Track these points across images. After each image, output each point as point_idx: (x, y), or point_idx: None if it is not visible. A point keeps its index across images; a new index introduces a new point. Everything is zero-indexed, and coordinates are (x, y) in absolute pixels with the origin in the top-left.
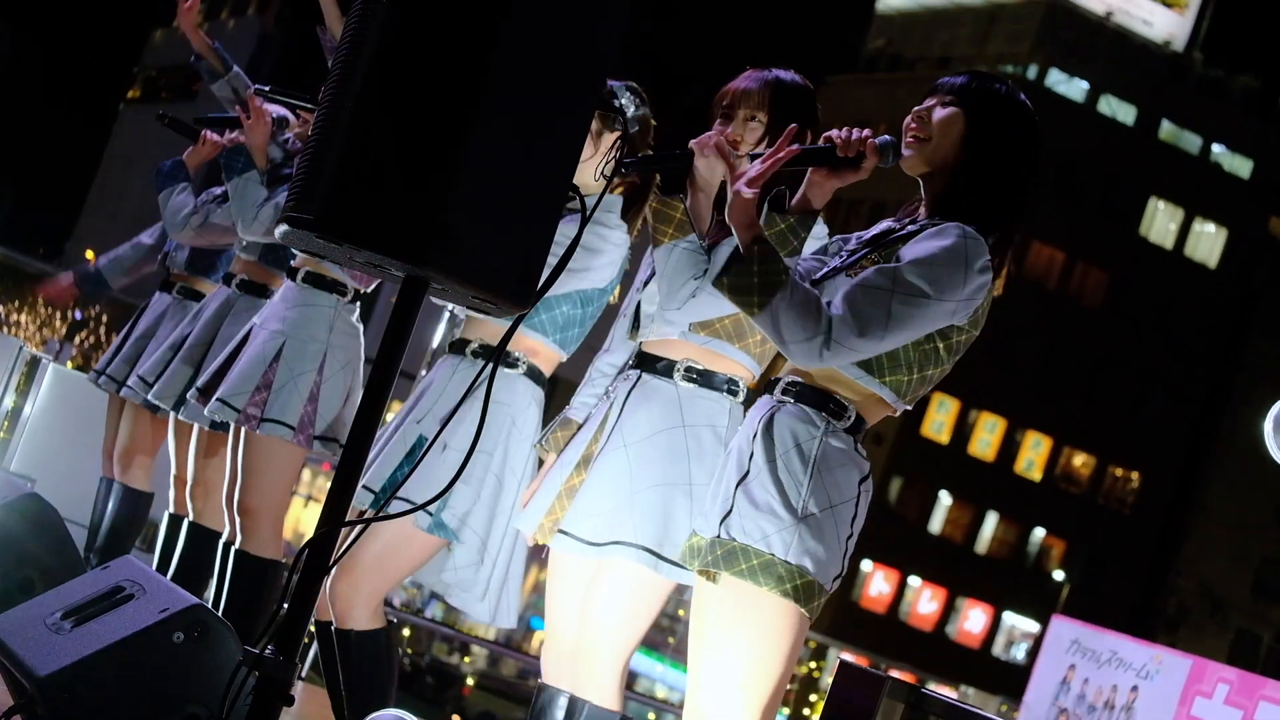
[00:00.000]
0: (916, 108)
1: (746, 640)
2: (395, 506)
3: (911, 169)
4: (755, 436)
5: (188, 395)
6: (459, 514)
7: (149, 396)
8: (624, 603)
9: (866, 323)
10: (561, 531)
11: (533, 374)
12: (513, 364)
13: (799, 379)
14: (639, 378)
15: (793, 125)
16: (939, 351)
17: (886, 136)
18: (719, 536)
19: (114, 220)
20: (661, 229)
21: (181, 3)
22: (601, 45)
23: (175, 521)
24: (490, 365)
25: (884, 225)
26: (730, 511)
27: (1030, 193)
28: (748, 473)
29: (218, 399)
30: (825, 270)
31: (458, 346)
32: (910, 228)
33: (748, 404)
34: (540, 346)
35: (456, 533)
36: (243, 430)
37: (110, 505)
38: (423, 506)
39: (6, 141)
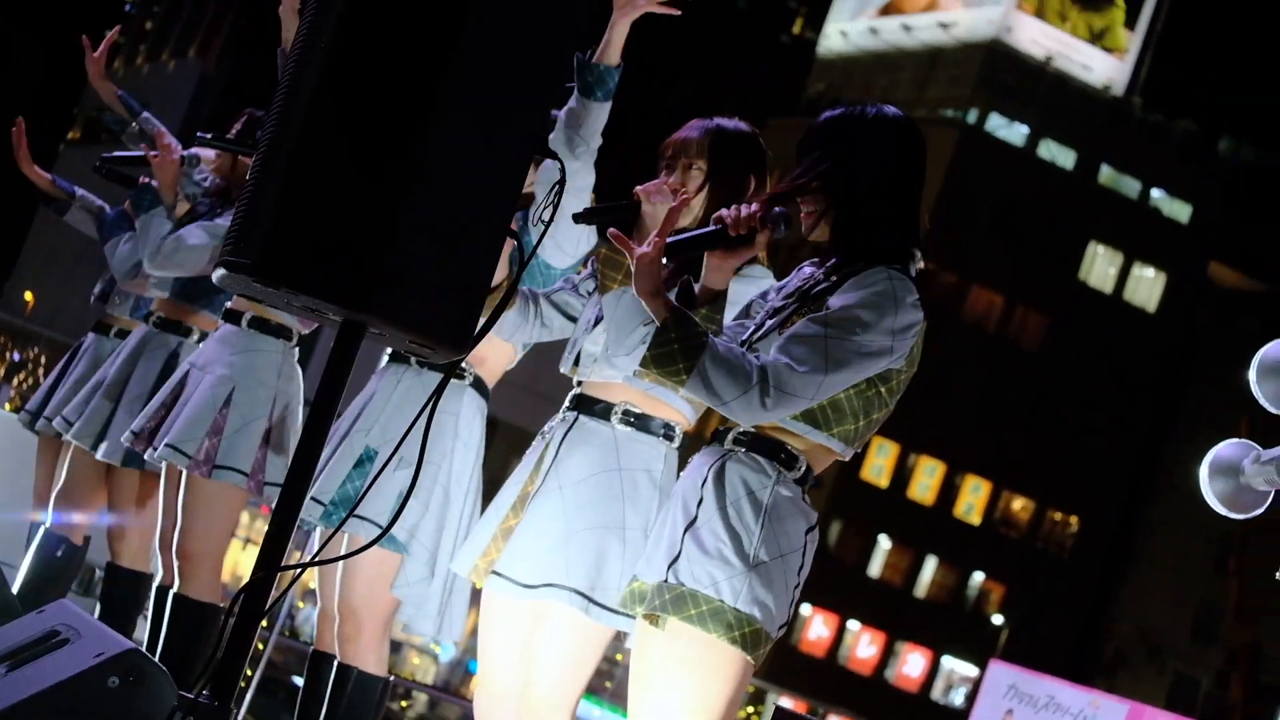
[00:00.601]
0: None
1: (691, 685)
2: (352, 526)
3: (822, 239)
4: (705, 483)
5: (121, 439)
6: (407, 526)
7: (67, 436)
8: (568, 650)
9: (804, 368)
10: (495, 573)
11: (478, 385)
12: (459, 374)
13: (750, 429)
14: (575, 419)
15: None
16: (881, 395)
17: (778, 209)
18: (666, 581)
19: (53, 262)
20: (610, 275)
21: (89, 53)
22: (542, 96)
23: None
24: (441, 378)
25: (806, 272)
26: (678, 556)
27: (919, 202)
28: (695, 519)
29: (167, 445)
30: (753, 331)
31: (401, 356)
32: (834, 278)
33: (691, 450)
34: (487, 354)
35: (406, 545)
36: (183, 474)
37: (41, 551)
38: (384, 534)
39: None
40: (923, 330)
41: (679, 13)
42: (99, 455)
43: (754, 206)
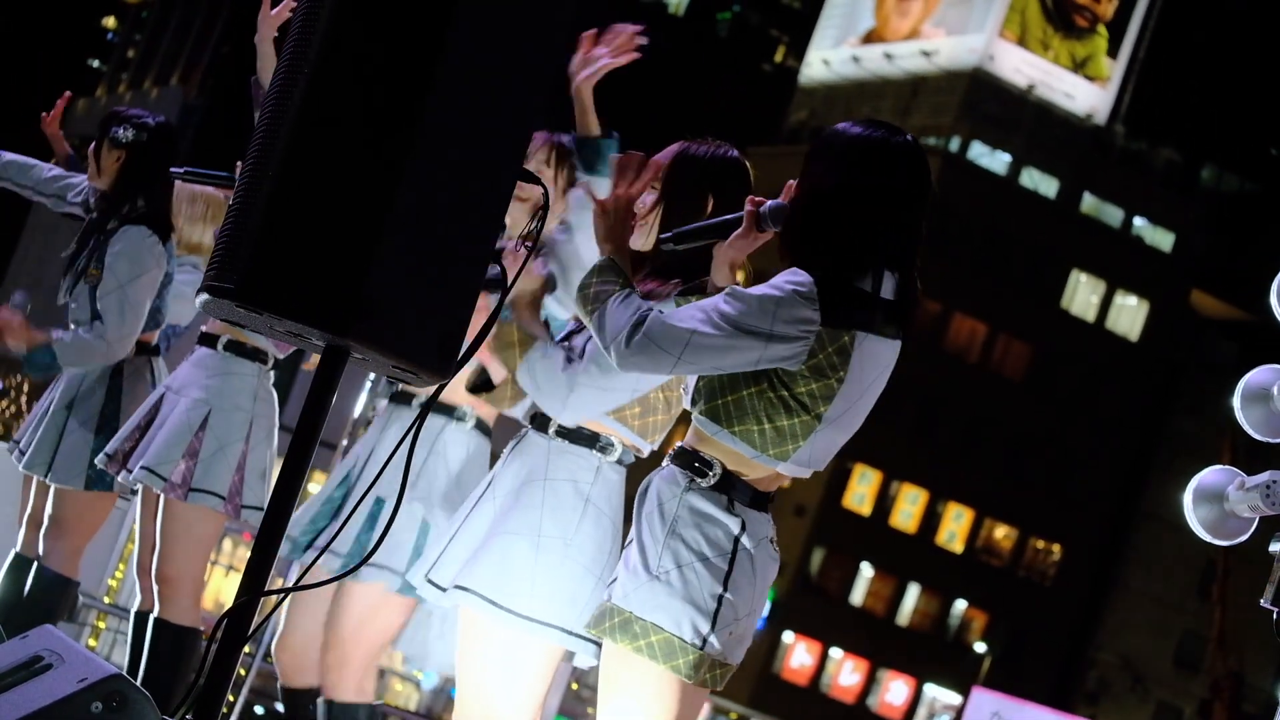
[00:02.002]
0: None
1: (617, 701)
2: (366, 574)
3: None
4: (636, 502)
5: (95, 461)
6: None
7: (20, 467)
8: (479, 652)
9: (677, 322)
10: (426, 578)
11: (480, 426)
12: (460, 418)
13: (681, 444)
14: (524, 434)
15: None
16: (787, 403)
17: (774, 202)
18: (614, 603)
19: (36, 288)
20: (507, 354)
21: (44, 115)
22: (524, 121)
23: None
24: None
25: None
26: (615, 579)
27: (884, 218)
28: (628, 537)
29: (143, 467)
30: None
31: (402, 398)
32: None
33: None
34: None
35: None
36: (161, 498)
37: (27, 582)
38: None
39: None
40: (841, 347)
41: (638, 56)
42: (48, 480)
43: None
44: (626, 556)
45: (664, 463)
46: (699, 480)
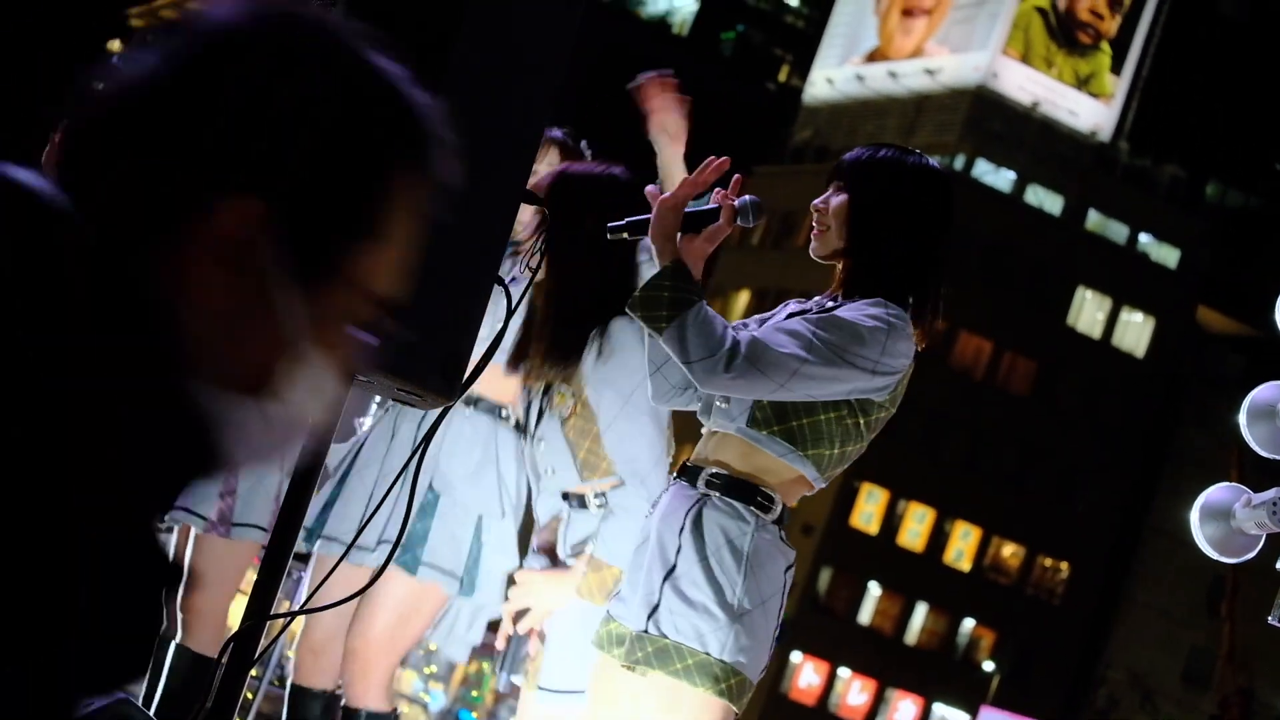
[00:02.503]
0: (816, 200)
1: None
2: (424, 574)
3: (820, 256)
4: (683, 531)
5: None
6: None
7: None
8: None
9: (784, 349)
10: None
11: (519, 427)
12: (503, 417)
13: (723, 471)
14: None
15: (725, 159)
16: (859, 428)
17: (749, 198)
18: (646, 632)
19: None
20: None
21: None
22: (528, 140)
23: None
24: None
25: (793, 306)
26: (657, 607)
27: (943, 249)
28: (675, 567)
29: (179, 508)
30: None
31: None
32: (829, 304)
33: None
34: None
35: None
36: (192, 531)
37: None
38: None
39: None
40: (909, 374)
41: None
42: None
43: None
44: (680, 590)
45: (701, 485)
46: (764, 516)
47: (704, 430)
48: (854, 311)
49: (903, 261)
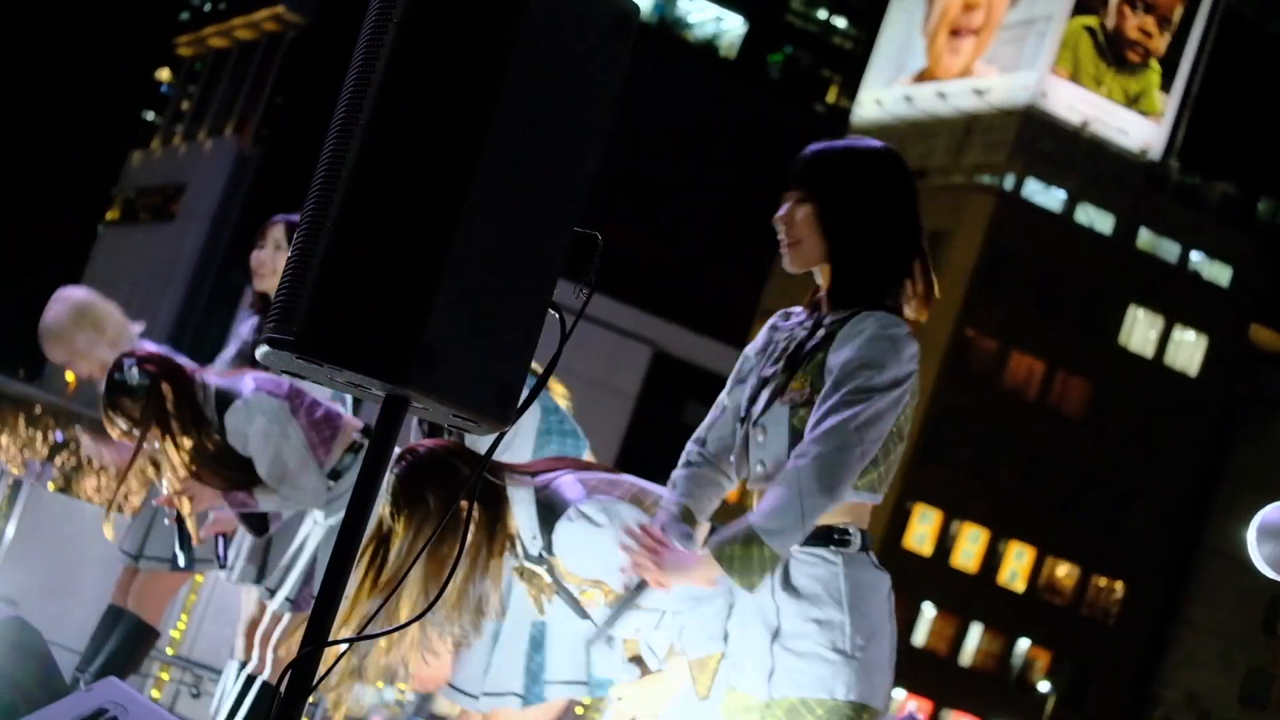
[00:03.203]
0: (779, 213)
1: None
2: (553, 692)
3: (799, 269)
4: (775, 592)
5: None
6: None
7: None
8: None
9: (843, 453)
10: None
11: None
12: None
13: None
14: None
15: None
16: (895, 434)
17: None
18: (772, 697)
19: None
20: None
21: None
22: (581, 168)
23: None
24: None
25: (785, 327)
26: (774, 670)
27: (916, 220)
28: (779, 629)
29: (278, 595)
30: (759, 406)
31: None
32: (820, 333)
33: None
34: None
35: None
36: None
37: (117, 631)
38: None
39: None
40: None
41: None
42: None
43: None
44: (790, 647)
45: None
46: (848, 549)
47: (752, 489)
48: (854, 347)
49: (889, 256)
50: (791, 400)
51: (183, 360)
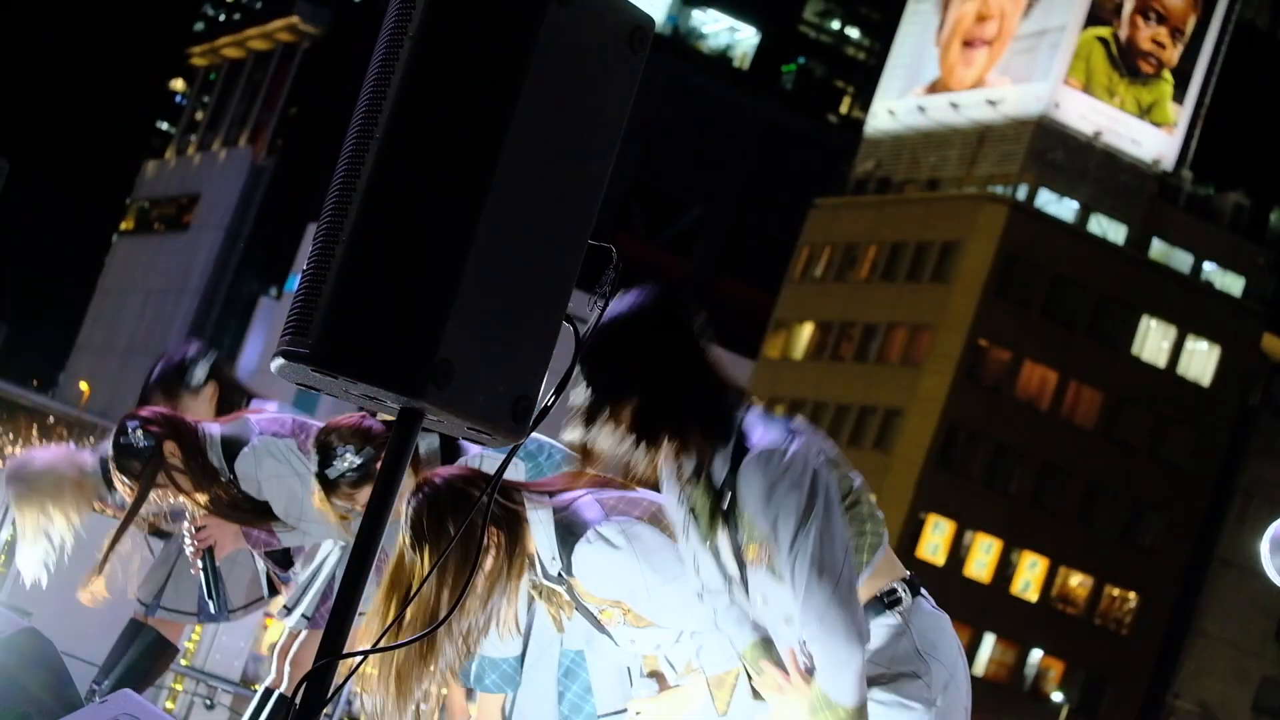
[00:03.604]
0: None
1: None
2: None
3: (644, 475)
4: None
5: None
6: None
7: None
8: None
9: (837, 604)
10: None
11: None
12: None
13: None
14: None
15: None
16: (857, 511)
17: None
18: None
19: (107, 351)
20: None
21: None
22: (595, 181)
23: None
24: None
25: (674, 500)
26: None
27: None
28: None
29: (295, 612)
30: (733, 572)
31: None
32: (716, 487)
33: None
34: None
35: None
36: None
37: (136, 644)
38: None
39: (1, 274)
40: (828, 444)
41: None
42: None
43: None
44: (879, 715)
45: None
46: (902, 603)
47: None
48: (760, 498)
49: (699, 403)
50: (762, 562)
51: (185, 416)
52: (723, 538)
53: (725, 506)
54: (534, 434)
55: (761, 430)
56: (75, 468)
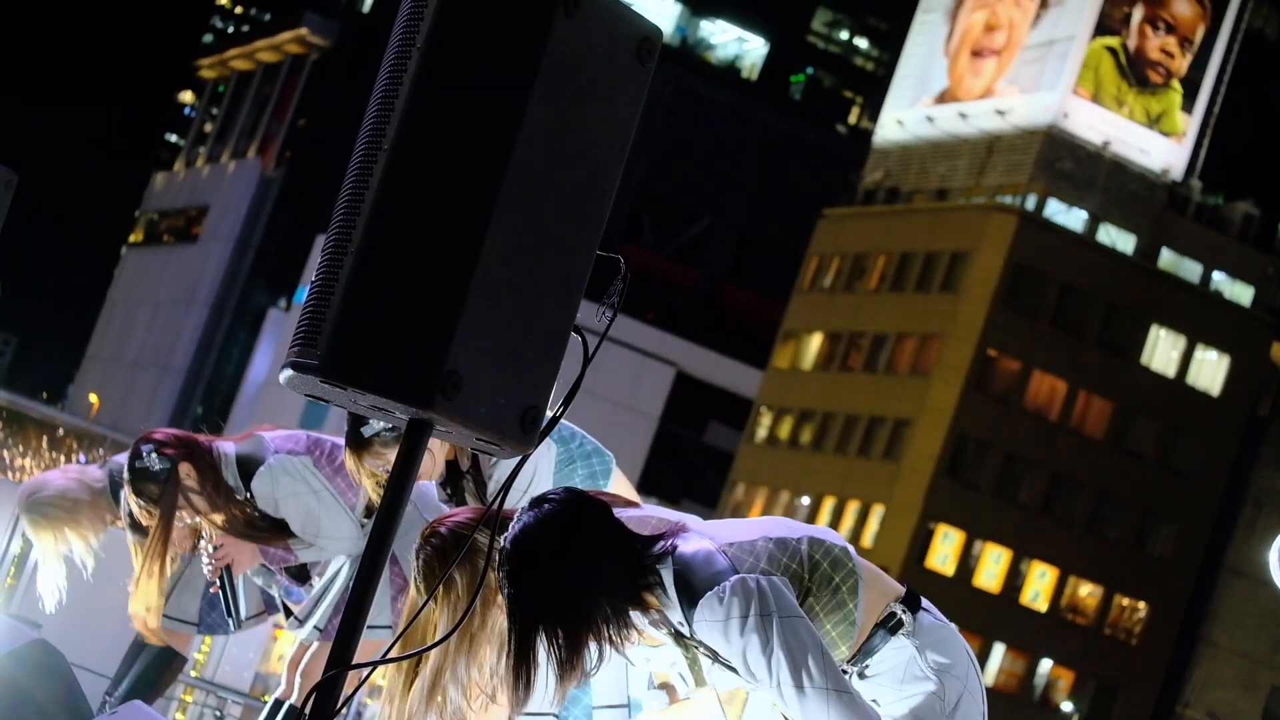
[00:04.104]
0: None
1: None
2: (600, 717)
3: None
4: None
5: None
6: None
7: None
8: None
9: (834, 703)
10: None
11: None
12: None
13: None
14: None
15: None
16: (821, 593)
17: None
18: None
19: (116, 364)
20: None
21: None
22: (603, 191)
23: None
24: None
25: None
26: None
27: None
28: (875, 701)
29: (307, 624)
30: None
31: None
32: (692, 644)
33: None
34: None
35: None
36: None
37: (144, 655)
38: None
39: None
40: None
41: None
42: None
43: None
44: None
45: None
46: (904, 626)
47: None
48: (726, 637)
49: (618, 573)
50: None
51: (200, 436)
52: (717, 669)
53: (703, 651)
54: (564, 421)
55: (701, 564)
56: (87, 489)
